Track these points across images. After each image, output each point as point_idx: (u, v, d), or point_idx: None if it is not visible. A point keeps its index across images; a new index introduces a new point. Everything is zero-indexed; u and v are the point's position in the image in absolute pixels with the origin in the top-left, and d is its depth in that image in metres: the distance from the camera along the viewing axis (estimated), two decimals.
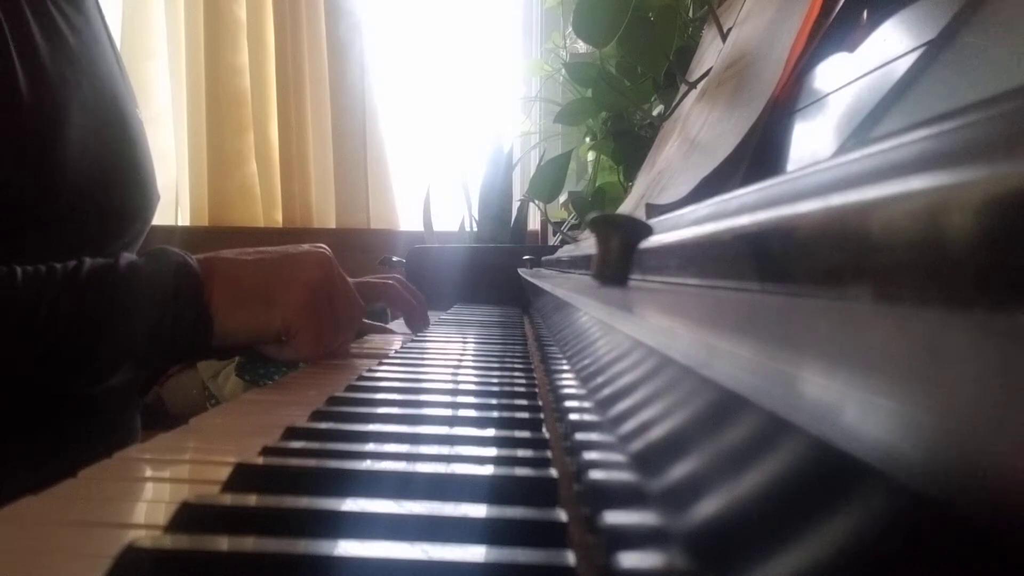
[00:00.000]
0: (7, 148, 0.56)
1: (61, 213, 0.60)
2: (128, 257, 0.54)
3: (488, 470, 0.26)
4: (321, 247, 0.62)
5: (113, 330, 0.52)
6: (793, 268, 0.15)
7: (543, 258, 1.02)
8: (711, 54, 0.67)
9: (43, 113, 0.59)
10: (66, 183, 0.60)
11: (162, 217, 2.09)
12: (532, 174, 1.33)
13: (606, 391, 0.24)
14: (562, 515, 0.22)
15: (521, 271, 0.98)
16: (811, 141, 0.33)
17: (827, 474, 0.08)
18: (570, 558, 0.19)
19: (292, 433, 0.32)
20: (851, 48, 0.33)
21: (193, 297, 0.54)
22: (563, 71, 1.24)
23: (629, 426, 0.19)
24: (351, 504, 0.22)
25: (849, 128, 0.28)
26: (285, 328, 0.57)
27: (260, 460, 0.27)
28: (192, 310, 0.54)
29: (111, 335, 0.52)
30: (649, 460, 0.16)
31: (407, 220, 2.14)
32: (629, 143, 1.02)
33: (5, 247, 0.56)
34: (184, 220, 2.16)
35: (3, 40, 0.56)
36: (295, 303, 0.56)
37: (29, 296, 0.50)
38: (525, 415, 0.37)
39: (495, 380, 0.48)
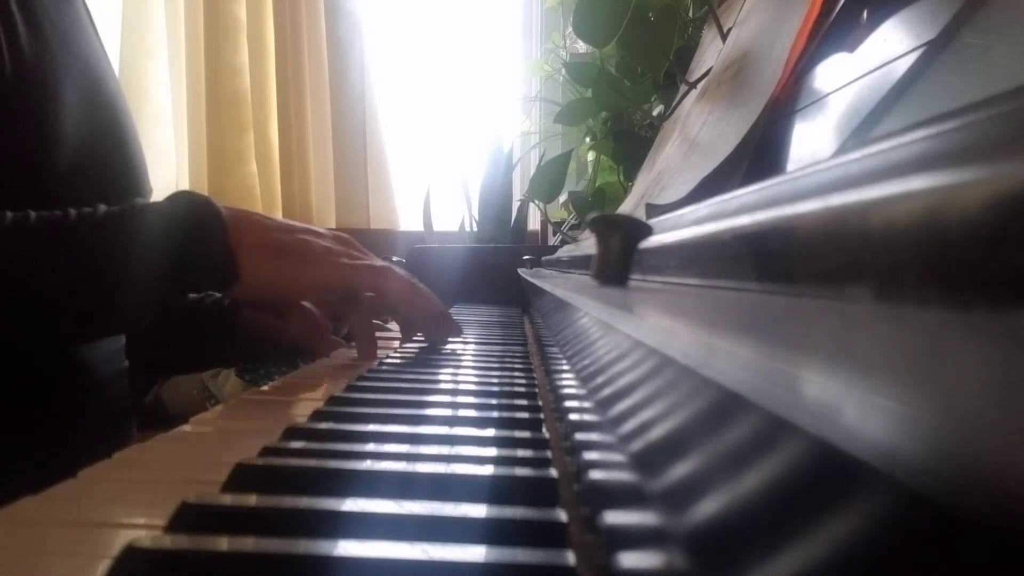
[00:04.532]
0: None
1: (53, 202, 0.60)
2: (144, 201, 0.54)
3: (488, 470, 0.26)
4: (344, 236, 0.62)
5: (132, 264, 0.51)
6: (793, 268, 0.15)
7: (543, 258, 1.02)
8: (711, 54, 0.67)
9: (35, 91, 0.59)
10: (56, 168, 0.59)
11: None
12: (532, 174, 1.33)
13: (606, 391, 0.24)
14: (562, 515, 0.22)
15: (521, 271, 0.98)
16: (811, 141, 0.33)
17: (827, 474, 0.08)
18: (570, 558, 0.19)
19: (292, 433, 0.32)
20: (851, 48, 0.33)
21: (219, 235, 0.53)
22: (563, 71, 1.24)
23: (629, 426, 0.19)
24: (351, 504, 0.22)
25: (849, 128, 0.28)
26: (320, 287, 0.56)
27: (260, 460, 0.27)
28: (219, 248, 0.53)
29: (130, 270, 0.51)
30: (649, 460, 0.16)
31: (407, 220, 2.14)
32: (629, 143, 1.02)
33: None
34: None
35: None
36: (326, 269, 0.56)
37: (44, 238, 0.50)
38: (525, 415, 0.37)
39: (495, 380, 0.48)
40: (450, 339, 0.66)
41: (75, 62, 0.64)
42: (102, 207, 0.53)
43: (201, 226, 0.53)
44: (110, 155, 0.66)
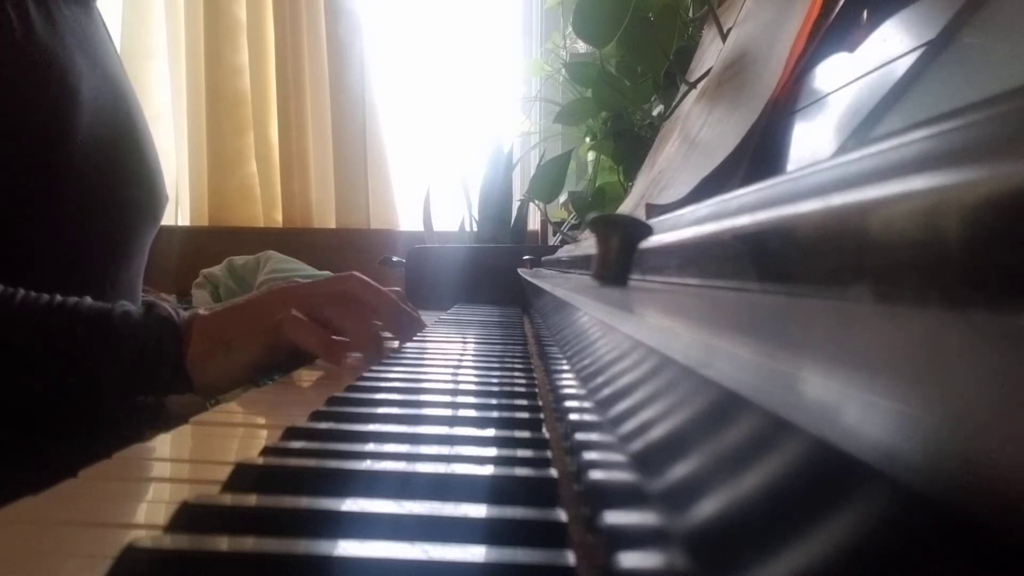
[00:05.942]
0: (17, 128, 0.57)
1: (69, 203, 0.61)
2: (124, 306, 0.58)
3: (488, 470, 0.26)
4: (287, 284, 0.65)
5: (92, 366, 0.54)
6: (793, 268, 0.15)
7: (543, 258, 1.02)
8: (711, 54, 0.67)
9: (54, 87, 0.60)
10: (74, 171, 0.61)
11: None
12: (532, 174, 1.33)
13: (606, 391, 0.24)
14: (562, 515, 0.22)
15: (521, 271, 0.98)
16: (811, 141, 0.33)
17: (827, 474, 0.08)
18: (570, 558, 0.19)
19: (292, 433, 0.32)
20: (851, 48, 0.33)
21: (172, 355, 0.57)
22: (563, 71, 1.24)
23: (629, 426, 0.19)
24: (351, 504, 0.22)
25: (849, 128, 0.28)
26: (272, 349, 0.59)
27: (260, 460, 0.27)
28: (169, 367, 0.57)
29: (89, 370, 0.54)
30: (649, 460, 0.16)
31: (407, 220, 2.13)
32: (629, 143, 1.02)
33: (11, 240, 0.58)
34: (184, 220, 2.15)
35: (7, 22, 0.58)
36: (257, 339, 0.59)
37: (21, 316, 0.53)
38: (525, 415, 0.37)
39: (495, 380, 0.48)
40: (451, 339, 0.67)
41: (94, 67, 0.65)
42: (87, 300, 0.57)
43: (159, 352, 0.57)
44: (126, 159, 0.68)
